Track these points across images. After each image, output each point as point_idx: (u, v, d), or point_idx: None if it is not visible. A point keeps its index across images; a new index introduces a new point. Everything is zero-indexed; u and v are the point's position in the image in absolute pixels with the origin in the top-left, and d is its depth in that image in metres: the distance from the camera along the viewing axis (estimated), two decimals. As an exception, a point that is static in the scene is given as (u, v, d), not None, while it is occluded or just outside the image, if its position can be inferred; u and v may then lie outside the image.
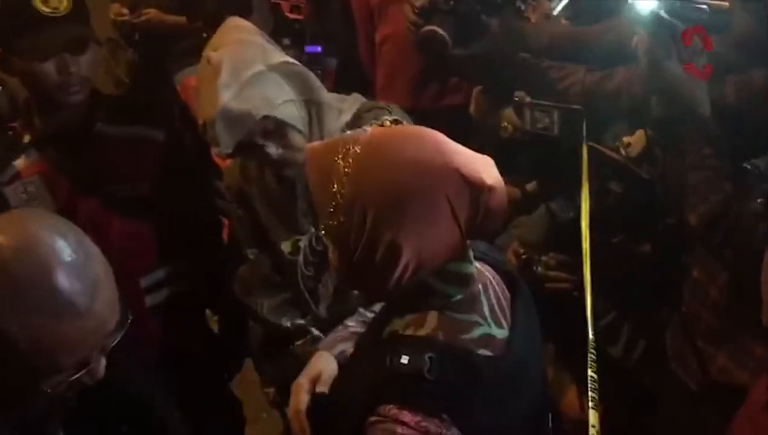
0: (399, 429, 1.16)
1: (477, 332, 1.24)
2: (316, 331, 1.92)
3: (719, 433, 1.45)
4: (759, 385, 1.38)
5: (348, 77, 3.07)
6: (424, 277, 1.23)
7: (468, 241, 1.24)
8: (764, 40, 1.65)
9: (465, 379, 1.19)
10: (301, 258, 1.88)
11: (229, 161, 1.96)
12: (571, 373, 2.04)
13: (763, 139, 1.60)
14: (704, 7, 1.59)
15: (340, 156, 1.19)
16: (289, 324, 1.95)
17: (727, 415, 1.45)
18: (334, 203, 1.19)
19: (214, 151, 1.71)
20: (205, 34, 2.75)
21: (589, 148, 1.85)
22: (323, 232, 1.25)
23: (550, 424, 1.41)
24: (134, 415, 1.52)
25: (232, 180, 1.95)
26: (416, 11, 1.95)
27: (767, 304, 1.27)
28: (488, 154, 1.25)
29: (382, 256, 1.17)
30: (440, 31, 1.87)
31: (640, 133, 1.89)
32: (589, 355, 1.55)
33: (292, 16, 2.77)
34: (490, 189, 1.19)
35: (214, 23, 1.85)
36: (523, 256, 2.02)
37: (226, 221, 2.22)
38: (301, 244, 1.88)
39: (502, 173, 1.24)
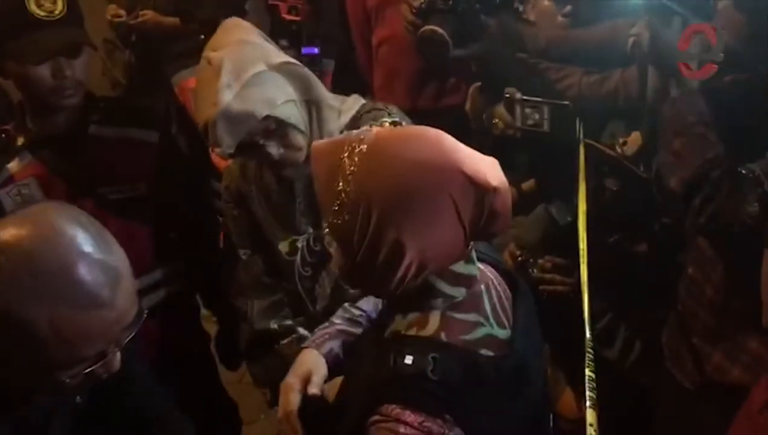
0: (402, 429, 1.16)
1: (479, 332, 1.25)
2: (302, 330, 1.92)
3: (715, 431, 1.46)
4: (759, 385, 1.38)
5: (345, 79, 3.06)
6: (427, 277, 1.23)
7: (472, 242, 1.25)
8: (759, 37, 1.65)
9: (467, 379, 1.19)
10: (298, 258, 1.88)
11: (229, 161, 1.96)
12: (566, 374, 2.05)
13: (758, 144, 1.61)
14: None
15: (346, 154, 1.19)
16: (276, 326, 1.94)
17: (723, 413, 1.46)
18: (338, 201, 1.19)
19: (215, 151, 1.71)
20: (202, 36, 2.76)
21: (586, 145, 1.85)
22: (327, 229, 1.24)
23: (551, 424, 1.42)
24: (135, 415, 1.52)
25: (231, 180, 1.95)
26: (414, 11, 1.94)
27: (767, 306, 1.27)
28: (483, 153, 1.25)
29: (385, 255, 1.17)
30: (440, 30, 1.86)
31: (636, 134, 1.89)
32: (587, 354, 1.55)
33: (289, 17, 2.75)
34: (495, 190, 1.20)
35: (209, 25, 1.85)
36: (519, 259, 2.02)
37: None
38: (299, 244, 1.87)
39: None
